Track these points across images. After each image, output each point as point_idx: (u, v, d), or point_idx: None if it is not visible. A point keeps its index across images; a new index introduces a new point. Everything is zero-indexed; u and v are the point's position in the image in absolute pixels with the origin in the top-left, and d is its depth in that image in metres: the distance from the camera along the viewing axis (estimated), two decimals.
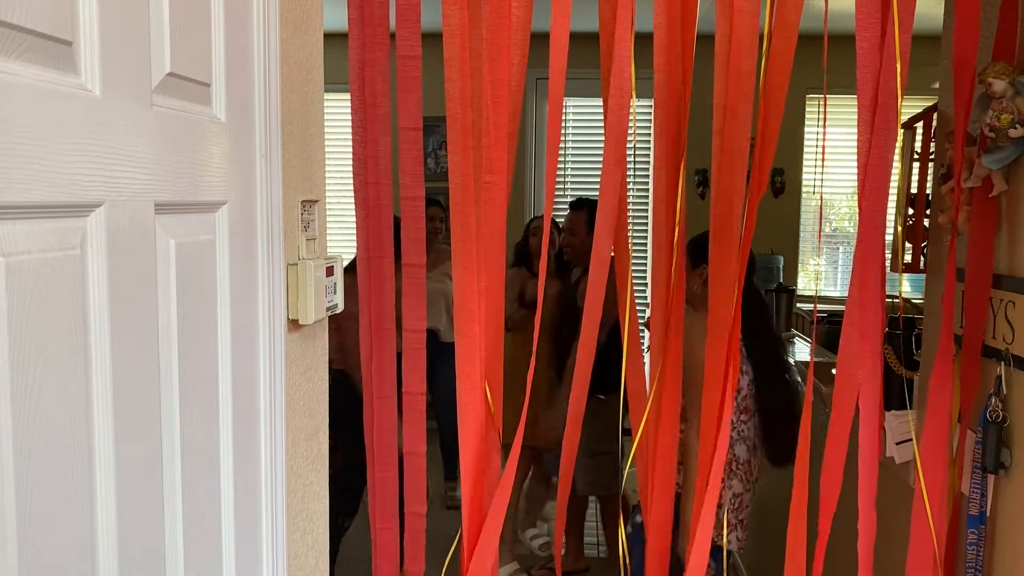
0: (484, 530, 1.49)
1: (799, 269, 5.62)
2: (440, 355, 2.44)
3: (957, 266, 1.70)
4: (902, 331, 1.97)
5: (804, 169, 5.53)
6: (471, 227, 1.45)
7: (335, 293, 1.40)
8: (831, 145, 5.48)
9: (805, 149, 5.51)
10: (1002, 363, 1.56)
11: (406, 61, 1.57)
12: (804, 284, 5.63)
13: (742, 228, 1.49)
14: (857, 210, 1.45)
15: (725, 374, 1.52)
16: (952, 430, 1.71)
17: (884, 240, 1.51)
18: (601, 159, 1.52)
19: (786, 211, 5.52)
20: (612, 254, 1.57)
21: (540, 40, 1.42)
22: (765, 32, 1.44)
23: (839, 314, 1.54)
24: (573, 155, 5.63)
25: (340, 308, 1.43)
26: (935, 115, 2.16)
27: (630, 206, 1.60)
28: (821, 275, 5.66)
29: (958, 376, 1.68)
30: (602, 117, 1.52)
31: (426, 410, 1.66)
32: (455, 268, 1.47)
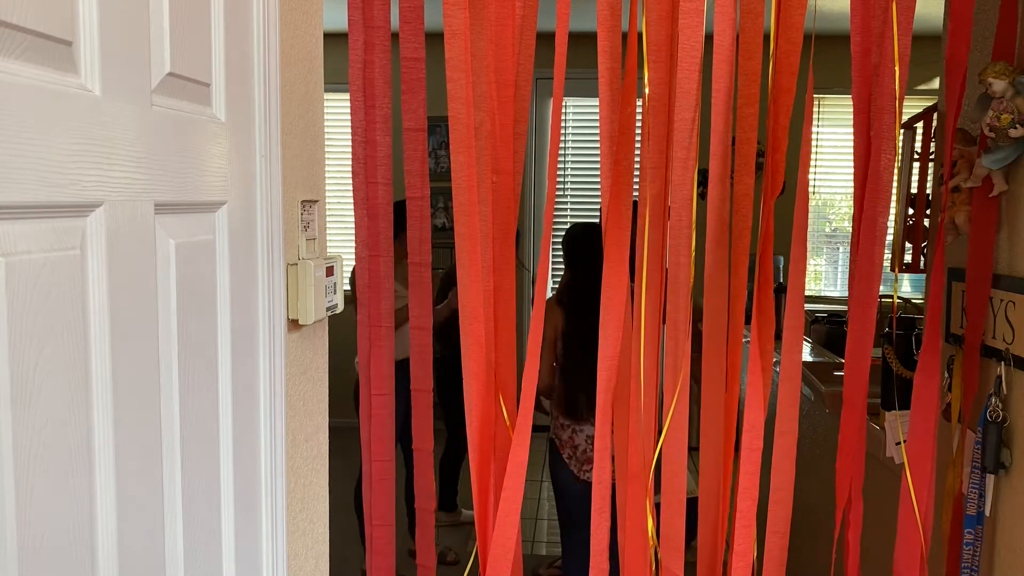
0: (497, 530, 1.44)
1: None
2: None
3: (957, 266, 1.70)
4: (902, 331, 1.97)
5: None
6: (475, 228, 1.41)
7: (335, 293, 1.40)
8: (832, 145, 5.48)
9: None
10: (1002, 363, 1.56)
11: (410, 63, 1.56)
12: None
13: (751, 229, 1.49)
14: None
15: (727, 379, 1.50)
16: (952, 430, 1.71)
17: (884, 244, 1.51)
18: (600, 160, 1.51)
19: (787, 211, 5.51)
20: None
21: (540, 40, 1.42)
22: (772, 34, 1.43)
23: (839, 314, 1.55)
24: (573, 155, 5.63)
25: (340, 308, 1.43)
26: (935, 115, 2.16)
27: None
28: (821, 275, 5.66)
29: (958, 376, 1.68)
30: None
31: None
32: (459, 268, 1.41)
